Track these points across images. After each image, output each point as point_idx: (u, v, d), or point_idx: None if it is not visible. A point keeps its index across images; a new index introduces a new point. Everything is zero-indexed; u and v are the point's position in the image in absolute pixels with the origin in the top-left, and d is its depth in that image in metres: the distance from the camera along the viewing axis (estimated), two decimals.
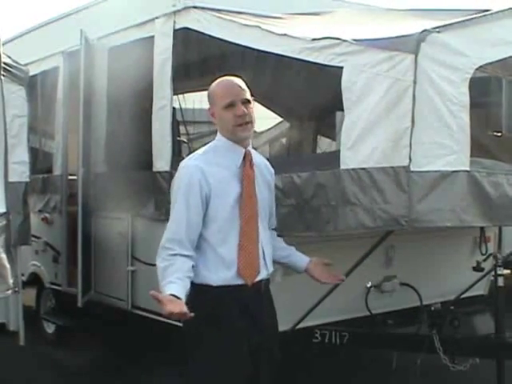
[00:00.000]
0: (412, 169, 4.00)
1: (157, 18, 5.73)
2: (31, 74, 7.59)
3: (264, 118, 9.43)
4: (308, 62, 4.51)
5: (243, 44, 4.97)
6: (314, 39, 4.46)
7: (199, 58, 5.99)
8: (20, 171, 5.67)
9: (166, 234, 3.56)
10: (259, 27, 4.82)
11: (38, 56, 7.60)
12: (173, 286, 3.31)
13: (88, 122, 6.49)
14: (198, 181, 3.52)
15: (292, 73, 6.58)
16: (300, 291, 5.11)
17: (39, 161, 7.78)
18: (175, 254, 3.46)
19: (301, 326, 5.26)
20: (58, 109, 7.28)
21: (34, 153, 7.95)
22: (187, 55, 5.77)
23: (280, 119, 9.44)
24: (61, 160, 7.23)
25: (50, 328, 7.71)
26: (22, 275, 7.68)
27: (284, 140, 9.60)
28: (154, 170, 5.73)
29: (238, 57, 5.62)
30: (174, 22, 5.54)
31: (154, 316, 5.72)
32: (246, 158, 3.67)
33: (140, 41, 5.99)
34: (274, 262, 3.89)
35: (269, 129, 9.90)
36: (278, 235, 4.09)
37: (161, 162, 5.68)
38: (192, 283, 3.45)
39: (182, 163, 3.68)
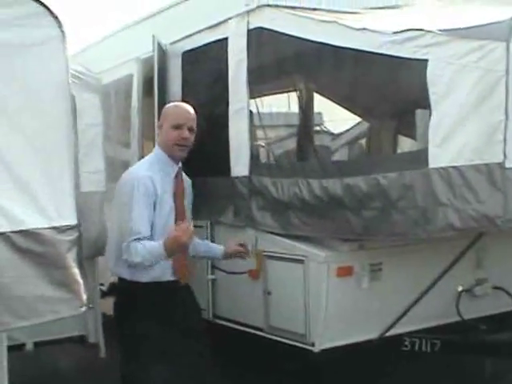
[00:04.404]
0: (507, 165, 3.82)
1: (230, 18, 5.60)
2: (106, 81, 7.59)
3: (343, 120, 9.20)
4: (389, 56, 4.30)
5: (319, 41, 4.79)
6: (395, 32, 4.26)
7: (275, 59, 5.80)
8: (95, 180, 5.58)
9: (130, 234, 4.02)
10: (336, 22, 4.65)
11: (113, 64, 7.55)
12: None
13: None
14: (151, 190, 4.09)
15: (370, 70, 6.34)
16: (388, 297, 4.96)
17: (116, 169, 7.72)
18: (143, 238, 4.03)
19: (389, 333, 5.03)
20: (133, 116, 7.20)
21: (111, 161, 7.93)
22: (262, 56, 5.58)
23: (359, 120, 9.18)
24: None
25: None
26: (103, 285, 7.66)
27: (364, 141, 9.36)
28: (233, 175, 5.60)
29: (313, 56, 5.40)
30: (248, 21, 5.41)
31: (236, 326, 5.62)
32: (178, 173, 4.34)
33: (214, 43, 5.86)
34: (196, 258, 4.75)
35: (348, 130, 9.66)
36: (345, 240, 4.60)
37: (239, 167, 5.54)
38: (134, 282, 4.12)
39: (132, 173, 4.30)
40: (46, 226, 3.10)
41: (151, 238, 4.09)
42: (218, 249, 4.77)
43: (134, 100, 7.16)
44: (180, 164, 4.39)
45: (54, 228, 3.13)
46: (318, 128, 6.16)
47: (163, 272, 4.18)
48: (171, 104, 4.60)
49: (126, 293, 4.26)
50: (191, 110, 4.37)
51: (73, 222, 3.15)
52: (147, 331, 4.07)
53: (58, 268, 3.11)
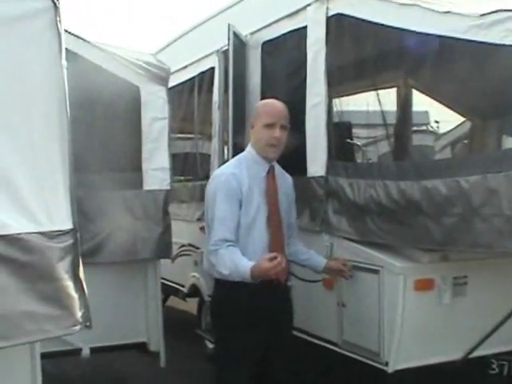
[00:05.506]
0: None
1: (308, 5, 5.21)
2: (190, 76, 7.36)
3: (445, 122, 8.68)
4: (475, 42, 3.79)
5: (401, 27, 4.32)
6: (483, 14, 3.74)
7: (357, 50, 5.34)
8: (160, 178, 5.28)
9: (214, 233, 3.99)
10: (418, 6, 4.16)
11: (196, 58, 7.37)
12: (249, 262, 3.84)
13: (240, 123, 6.03)
14: (234, 187, 4.02)
15: (472, 63, 5.78)
16: (473, 314, 4.52)
17: (199, 166, 7.48)
18: (231, 245, 3.95)
19: (474, 354, 4.56)
20: (214, 110, 6.91)
21: (193, 158, 7.68)
22: (343, 46, 5.13)
23: (447, 117, 8.63)
24: (218, 165, 6.84)
25: (210, 343, 7.32)
26: (183, 287, 7.42)
27: (466, 141, 8.79)
28: (309, 175, 5.22)
29: (397, 46, 4.91)
30: (327, 7, 5.01)
31: (310, 338, 5.26)
32: (270, 172, 4.20)
33: (293, 32, 5.50)
34: (295, 263, 4.63)
35: (450, 130, 9.12)
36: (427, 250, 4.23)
37: (315, 167, 5.17)
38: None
39: (217, 172, 4.28)
40: (32, 230, 2.73)
41: (236, 235, 4.01)
42: (320, 261, 4.59)
43: (215, 93, 6.88)
44: (274, 163, 4.26)
45: (42, 233, 2.75)
46: (396, 127, 5.65)
47: None
48: (263, 101, 4.53)
49: (221, 291, 4.18)
50: (283, 107, 4.23)
51: (66, 226, 2.76)
52: (236, 328, 4.03)
53: (47, 280, 2.72)
